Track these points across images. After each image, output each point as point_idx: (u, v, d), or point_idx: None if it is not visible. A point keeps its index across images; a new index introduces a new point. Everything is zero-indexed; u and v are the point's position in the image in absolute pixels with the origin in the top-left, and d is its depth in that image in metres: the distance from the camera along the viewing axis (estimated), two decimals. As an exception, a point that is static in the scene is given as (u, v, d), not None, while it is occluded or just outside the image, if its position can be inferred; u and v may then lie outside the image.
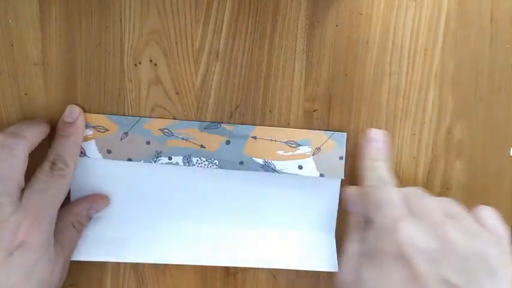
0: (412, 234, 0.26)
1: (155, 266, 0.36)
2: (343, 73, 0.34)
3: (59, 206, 0.31)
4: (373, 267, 0.27)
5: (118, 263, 0.36)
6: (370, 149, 0.32)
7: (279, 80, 0.34)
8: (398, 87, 0.34)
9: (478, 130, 0.34)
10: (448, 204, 0.29)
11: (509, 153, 0.35)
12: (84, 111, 0.34)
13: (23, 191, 0.30)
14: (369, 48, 0.33)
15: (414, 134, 0.34)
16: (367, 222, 0.30)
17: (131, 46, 0.33)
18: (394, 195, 0.30)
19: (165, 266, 0.36)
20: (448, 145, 0.35)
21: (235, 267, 0.36)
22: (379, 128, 0.34)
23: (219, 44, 0.33)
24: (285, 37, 0.33)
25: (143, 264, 0.36)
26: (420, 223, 0.27)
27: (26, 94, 0.34)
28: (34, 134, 0.31)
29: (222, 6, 0.33)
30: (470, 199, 0.35)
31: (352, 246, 0.30)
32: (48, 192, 0.30)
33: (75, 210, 0.33)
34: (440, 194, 0.35)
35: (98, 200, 0.34)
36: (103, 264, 0.36)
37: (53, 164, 0.31)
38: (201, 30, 0.33)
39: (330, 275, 0.36)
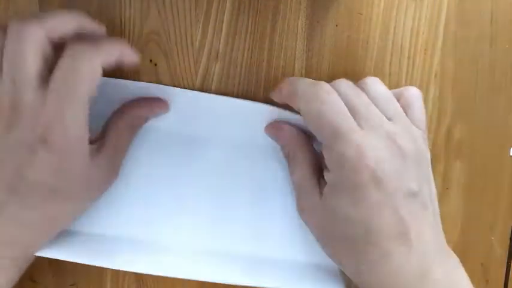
0: (380, 158, 0.26)
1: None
2: (343, 73, 0.34)
3: (85, 99, 0.27)
4: (345, 195, 0.27)
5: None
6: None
7: (279, 80, 0.34)
8: (398, 87, 0.34)
9: (478, 130, 0.34)
10: (378, 98, 0.29)
11: (509, 153, 0.35)
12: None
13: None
14: (369, 48, 0.33)
15: (414, 134, 0.35)
16: (318, 143, 0.29)
17: (131, 46, 0.33)
18: (338, 107, 0.28)
19: (165, 267, 0.36)
20: (448, 145, 0.35)
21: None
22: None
23: (219, 44, 0.33)
24: (285, 37, 0.33)
25: (143, 265, 0.36)
26: (377, 139, 0.27)
27: (26, 94, 0.34)
28: (61, 19, 0.28)
29: (221, 6, 0.33)
30: (470, 199, 0.35)
31: (312, 177, 0.30)
32: (69, 83, 0.26)
33: (135, 112, 0.31)
34: (440, 194, 0.35)
35: (160, 104, 0.32)
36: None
37: (75, 44, 0.27)
38: (201, 30, 0.33)
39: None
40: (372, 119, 0.28)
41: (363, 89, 0.29)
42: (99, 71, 0.27)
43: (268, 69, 0.34)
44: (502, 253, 0.36)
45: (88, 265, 0.34)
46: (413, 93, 0.30)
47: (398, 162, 0.27)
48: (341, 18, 0.33)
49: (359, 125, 0.28)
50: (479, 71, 0.34)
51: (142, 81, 0.34)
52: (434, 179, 0.35)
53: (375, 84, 0.30)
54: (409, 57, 0.34)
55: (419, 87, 0.34)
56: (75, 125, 0.27)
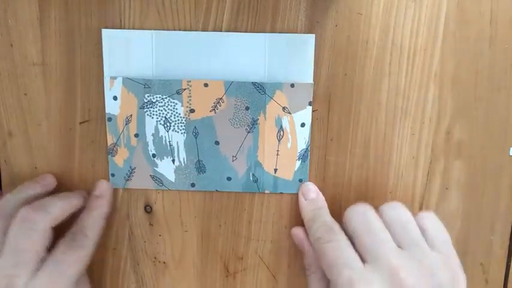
0: None
1: (155, 266, 0.36)
2: (342, 73, 0.34)
3: (75, 276, 0.31)
4: None
5: (118, 263, 0.36)
6: (307, 201, 0.34)
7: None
8: (397, 87, 0.34)
9: (477, 130, 0.34)
10: (396, 226, 0.30)
11: (509, 153, 0.35)
12: (84, 111, 0.34)
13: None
14: (369, 48, 0.33)
15: (414, 134, 0.34)
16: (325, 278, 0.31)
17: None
18: (343, 247, 0.29)
19: (165, 267, 0.36)
20: (447, 145, 0.35)
21: (235, 267, 0.36)
22: (378, 128, 0.34)
23: (219, 44, 0.33)
24: (284, 37, 0.33)
25: (143, 265, 0.36)
26: (377, 277, 0.27)
27: (26, 94, 0.34)
28: (61, 209, 0.32)
29: (221, 6, 0.33)
30: (470, 199, 0.35)
31: None
32: (66, 263, 0.31)
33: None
34: (440, 194, 0.35)
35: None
36: (102, 265, 0.36)
37: (74, 234, 0.32)
38: (201, 30, 0.33)
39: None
40: (376, 250, 0.28)
41: (380, 214, 0.30)
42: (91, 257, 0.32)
43: (267, 69, 0.34)
44: (501, 253, 0.36)
45: (88, 266, 0.34)
46: (431, 217, 0.31)
47: None
48: (341, 18, 0.33)
49: (363, 258, 0.29)
50: (479, 71, 0.34)
51: (142, 81, 0.34)
52: (434, 179, 0.35)
53: (393, 209, 0.30)
54: (408, 57, 0.34)
55: (419, 87, 0.34)
56: None
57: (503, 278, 0.36)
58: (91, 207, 0.34)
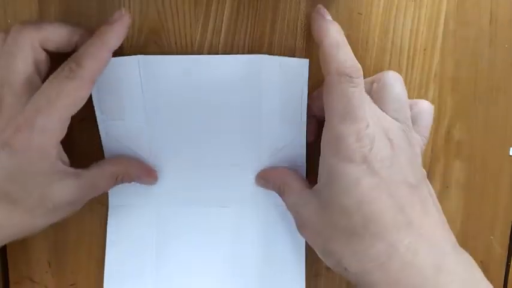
0: (373, 146, 0.26)
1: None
2: (342, 73, 0.34)
3: (63, 115, 0.27)
4: (337, 183, 0.27)
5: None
6: (329, 20, 0.29)
7: (278, 80, 0.34)
8: (397, 87, 0.34)
9: (477, 130, 0.34)
10: (390, 99, 0.29)
11: (509, 153, 0.35)
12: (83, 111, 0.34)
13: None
14: (368, 48, 0.33)
15: (414, 134, 0.35)
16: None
17: (130, 46, 0.33)
18: (361, 95, 0.27)
19: (165, 266, 0.36)
20: (447, 145, 0.35)
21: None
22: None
23: (219, 44, 0.33)
24: (284, 37, 0.33)
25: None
26: (375, 131, 0.27)
27: (26, 94, 0.34)
28: (56, 27, 0.29)
29: (221, 6, 0.33)
30: (470, 199, 0.35)
31: (305, 190, 0.30)
32: (50, 97, 0.26)
33: (126, 170, 0.31)
34: (440, 194, 0.35)
35: (150, 174, 0.32)
36: (103, 265, 0.36)
37: (67, 63, 0.27)
38: (201, 30, 0.33)
39: (329, 273, 0.36)
40: (376, 115, 0.28)
41: (381, 82, 0.30)
42: (86, 95, 0.28)
43: (267, 69, 0.34)
44: (501, 252, 0.36)
45: (88, 265, 0.34)
46: (426, 106, 0.31)
47: (389, 152, 0.27)
48: (341, 18, 0.33)
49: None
50: (479, 70, 0.34)
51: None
52: (434, 179, 0.35)
53: (394, 83, 0.29)
54: (408, 57, 0.34)
55: (419, 87, 0.34)
56: (43, 136, 0.27)
57: (503, 278, 0.36)
58: (95, 35, 0.28)
